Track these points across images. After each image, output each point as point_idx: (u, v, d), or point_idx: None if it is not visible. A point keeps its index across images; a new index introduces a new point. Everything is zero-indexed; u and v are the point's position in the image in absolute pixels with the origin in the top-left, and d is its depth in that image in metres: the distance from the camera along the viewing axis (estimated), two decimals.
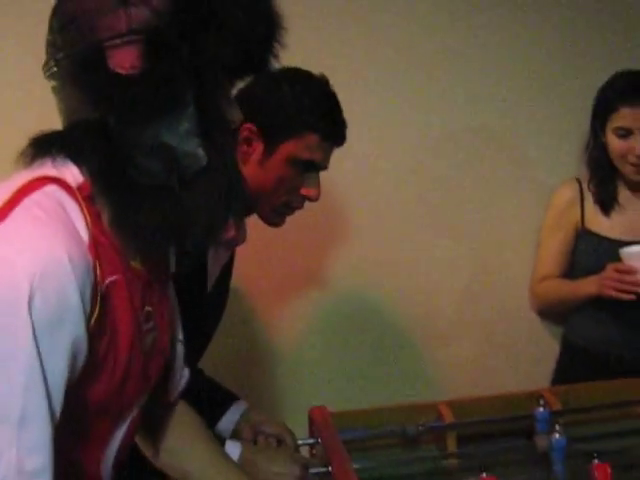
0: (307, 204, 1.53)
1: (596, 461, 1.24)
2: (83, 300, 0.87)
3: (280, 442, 1.57)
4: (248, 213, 1.50)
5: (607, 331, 1.99)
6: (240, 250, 1.67)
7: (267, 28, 0.99)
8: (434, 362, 2.28)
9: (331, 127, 1.45)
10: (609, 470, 1.23)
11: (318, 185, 1.47)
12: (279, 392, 2.22)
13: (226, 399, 1.65)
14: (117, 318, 0.95)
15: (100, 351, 0.92)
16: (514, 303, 2.28)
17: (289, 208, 1.50)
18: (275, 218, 1.51)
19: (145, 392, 1.09)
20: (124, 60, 0.91)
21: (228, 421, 1.60)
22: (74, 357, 0.87)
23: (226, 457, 1.31)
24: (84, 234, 0.90)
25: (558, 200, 2.10)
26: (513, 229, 2.27)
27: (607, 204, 2.01)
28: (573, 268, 2.09)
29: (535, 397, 1.57)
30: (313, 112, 1.43)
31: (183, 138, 0.93)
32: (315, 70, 1.50)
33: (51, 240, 0.85)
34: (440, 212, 2.26)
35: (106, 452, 1.05)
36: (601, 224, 2.02)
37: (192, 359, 1.59)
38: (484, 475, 1.24)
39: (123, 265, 0.96)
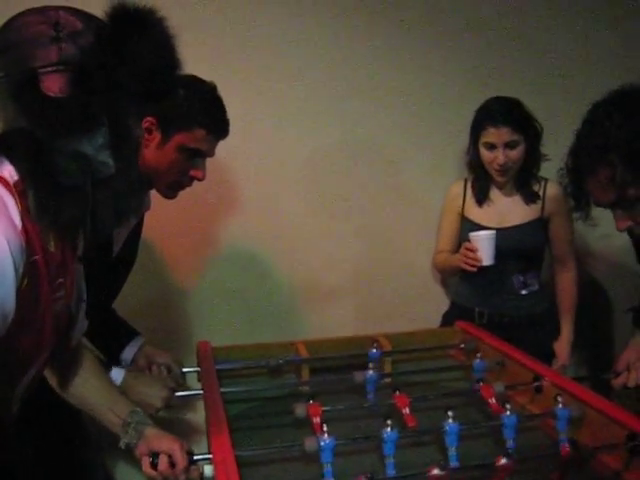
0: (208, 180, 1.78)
1: (397, 392, 1.56)
2: (16, 273, 1.01)
3: (169, 369, 1.87)
4: (149, 188, 1.74)
5: (472, 292, 2.39)
6: (154, 214, 1.93)
7: (168, 68, 1.15)
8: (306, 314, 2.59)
9: (215, 124, 1.69)
10: (407, 399, 1.53)
11: (204, 169, 1.72)
12: (178, 329, 2.47)
13: (129, 334, 1.91)
14: (38, 288, 1.11)
15: (25, 312, 1.07)
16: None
17: (180, 185, 1.74)
18: (169, 193, 1.74)
19: (54, 342, 1.24)
20: (54, 85, 1.04)
21: (129, 352, 1.87)
22: (5, 316, 1.03)
23: (113, 385, 1.51)
24: (18, 222, 1.04)
25: (447, 194, 2.48)
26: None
27: (480, 198, 2.38)
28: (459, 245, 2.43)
29: (371, 340, 1.93)
30: (201, 111, 1.65)
31: (97, 150, 1.09)
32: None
33: None
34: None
35: (16, 390, 1.21)
36: (476, 213, 2.39)
37: (107, 302, 1.86)
38: (311, 402, 1.51)
39: (43, 248, 1.11)
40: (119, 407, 1.43)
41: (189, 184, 1.75)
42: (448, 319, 2.44)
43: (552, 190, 2.32)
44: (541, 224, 2.34)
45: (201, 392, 1.72)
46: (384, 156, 2.62)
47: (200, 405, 1.84)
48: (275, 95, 2.45)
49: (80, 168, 1.09)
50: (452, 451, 1.39)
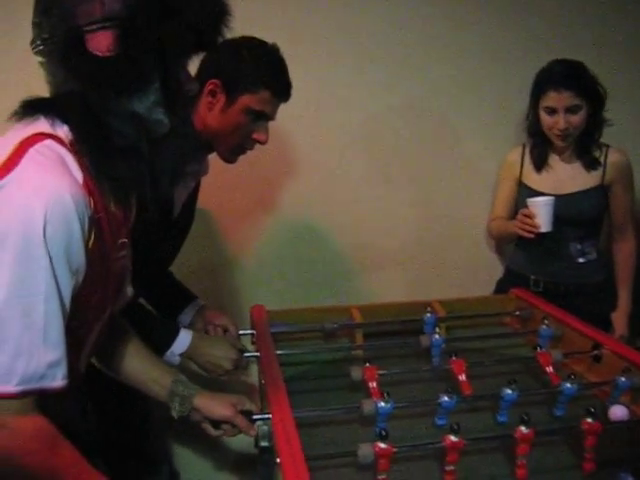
0: (265, 148, 1.77)
1: (454, 357, 1.56)
2: (82, 229, 1.01)
3: (226, 331, 1.86)
4: (209, 151, 1.74)
5: (527, 259, 2.34)
6: (209, 181, 1.92)
7: (217, 15, 1.13)
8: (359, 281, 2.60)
9: (280, 86, 1.67)
10: (463, 364, 1.53)
11: (267, 132, 1.70)
12: (233, 293, 2.49)
13: (187, 298, 1.93)
14: (103, 245, 1.11)
15: (93, 268, 1.07)
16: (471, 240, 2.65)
17: (242, 149, 1.73)
18: (230, 156, 1.74)
19: (116, 303, 1.27)
20: (100, 44, 1.01)
21: (186, 315, 1.90)
22: (76, 273, 1.03)
23: (153, 356, 1.48)
24: (80, 179, 1.04)
25: (505, 160, 2.44)
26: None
27: (539, 164, 2.33)
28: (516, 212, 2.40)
29: (425, 305, 1.92)
30: (267, 73, 1.64)
31: (151, 108, 1.08)
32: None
33: (56, 183, 0.98)
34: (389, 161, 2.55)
35: (84, 349, 1.22)
36: (534, 180, 2.34)
37: (164, 267, 1.89)
38: (367, 365, 1.52)
39: (105, 207, 1.11)
40: (164, 378, 1.44)
41: (251, 147, 1.74)
42: (502, 286, 2.41)
43: (614, 157, 2.26)
44: (601, 192, 2.28)
45: (256, 354, 1.73)
46: (441, 122, 2.58)
47: (252, 368, 1.88)
48: (329, 61, 2.42)
49: (134, 128, 1.08)
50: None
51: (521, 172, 2.39)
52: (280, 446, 1.19)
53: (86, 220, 1.03)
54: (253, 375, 2.07)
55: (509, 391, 1.41)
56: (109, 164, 1.08)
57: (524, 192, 2.35)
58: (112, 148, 1.07)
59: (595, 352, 1.65)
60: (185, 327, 1.76)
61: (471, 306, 2.03)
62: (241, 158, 1.78)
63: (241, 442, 1.91)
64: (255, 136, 1.71)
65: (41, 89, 1.12)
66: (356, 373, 1.56)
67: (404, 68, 2.50)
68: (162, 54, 1.06)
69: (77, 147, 1.06)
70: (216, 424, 1.45)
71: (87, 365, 1.29)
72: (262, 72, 1.64)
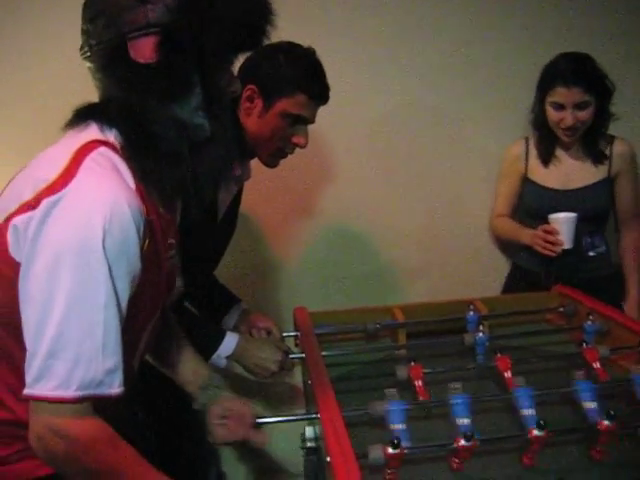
0: (304, 153, 1.79)
1: (499, 354, 1.56)
2: (139, 236, 1.03)
3: (269, 333, 1.89)
4: (251, 156, 1.77)
5: (537, 255, 2.25)
6: (251, 187, 1.95)
7: (259, 17, 1.14)
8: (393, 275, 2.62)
9: (317, 89, 1.69)
10: (508, 361, 1.53)
11: (306, 135, 1.72)
12: (276, 295, 2.52)
13: (231, 301, 1.97)
14: (157, 247, 1.14)
15: (148, 271, 1.10)
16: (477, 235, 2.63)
17: (282, 152, 1.75)
18: (271, 161, 1.76)
19: (166, 302, 1.30)
20: (143, 51, 1.04)
21: (231, 318, 1.93)
22: (133, 278, 1.05)
23: (193, 349, 1.51)
24: (132, 185, 1.06)
25: (507, 155, 2.40)
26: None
27: (546, 158, 2.30)
28: (520, 208, 2.41)
29: (467, 304, 1.92)
30: (302, 76, 1.66)
31: (192, 113, 1.10)
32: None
33: (113, 192, 1.00)
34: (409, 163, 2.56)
35: (139, 347, 1.24)
36: (540, 175, 2.31)
37: (208, 270, 1.91)
38: (412, 364, 1.54)
39: (155, 209, 1.14)
40: (201, 370, 1.47)
41: (291, 151, 1.76)
42: (512, 281, 2.42)
43: (619, 147, 2.25)
44: (609, 184, 2.27)
45: (300, 356, 1.75)
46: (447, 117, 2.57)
47: (294, 370, 1.89)
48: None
49: (177, 133, 1.10)
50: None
51: (526, 167, 2.35)
52: (330, 445, 1.20)
53: (142, 226, 1.05)
54: (296, 377, 2.09)
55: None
56: (154, 169, 1.09)
57: (530, 187, 2.33)
58: (156, 152, 1.09)
59: None
60: (230, 330, 1.78)
61: (513, 303, 2.02)
62: (282, 163, 1.80)
63: (285, 444, 1.94)
64: (294, 140, 1.72)
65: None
66: (402, 372, 1.56)
67: (409, 62, 2.49)
68: (203, 59, 1.07)
69: (126, 153, 1.08)
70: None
71: (141, 364, 1.32)
72: (297, 75, 1.66)
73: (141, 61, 1.04)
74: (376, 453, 1.21)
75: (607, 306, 1.87)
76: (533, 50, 2.36)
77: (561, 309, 1.99)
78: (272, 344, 1.78)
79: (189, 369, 1.47)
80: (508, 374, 1.53)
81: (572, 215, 2.13)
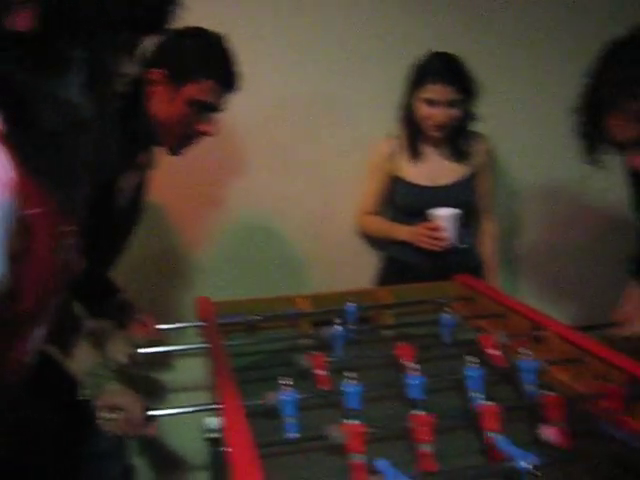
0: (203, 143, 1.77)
1: (399, 343, 1.58)
2: (7, 231, 0.93)
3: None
4: (156, 144, 1.72)
5: (410, 247, 2.34)
6: (160, 177, 1.92)
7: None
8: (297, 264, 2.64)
9: (224, 75, 1.67)
10: (410, 349, 1.56)
11: (214, 123, 1.69)
12: (180, 285, 2.50)
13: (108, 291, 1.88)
14: (38, 243, 1.05)
15: (24, 271, 1.01)
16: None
17: (187, 141, 1.72)
18: (176, 149, 1.73)
19: (60, 294, 1.22)
20: (20, 21, 0.94)
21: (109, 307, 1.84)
22: None
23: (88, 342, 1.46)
24: (10, 175, 0.95)
25: (377, 152, 2.44)
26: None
27: (414, 156, 2.37)
28: (392, 205, 2.47)
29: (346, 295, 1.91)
30: (209, 62, 1.64)
31: (73, 91, 1.02)
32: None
33: None
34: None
35: (27, 345, 1.17)
36: (410, 172, 2.38)
37: (108, 261, 1.85)
38: (314, 353, 1.54)
39: (43, 198, 1.03)
40: (90, 358, 1.43)
41: (197, 140, 1.73)
42: (387, 274, 2.48)
43: (479, 144, 2.40)
44: (473, 180, 2.39)
45: (203, 346, 1.70)
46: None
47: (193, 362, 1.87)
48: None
49: (58, 112, 1.01)
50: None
51: (395, 164, 2.41)
52: (229, 435, 1.18)
53: (12, 221, 0.95)
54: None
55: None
56: (34, 153, 1.01)
57: (400, 185, 2.40)
58: (39, 133, 1.01)
59: (535, 333, 1.68)
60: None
61: (416, 293, 2.05)
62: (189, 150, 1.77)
63: (194, 434, 1.91)
64: (202, 128, 1.69)
65: None
66: (303, 361, 1.56)
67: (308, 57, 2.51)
68: (85, 34, 0.99)
69: (9, 135, 0.96)
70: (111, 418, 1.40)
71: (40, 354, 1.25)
72: (205, 61, 1.63)
73: (21, 31, 0.94)
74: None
75: (501, 294, 1.94)
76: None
77: (462, 298, 2.04)
78: (126, 337, 1.72)
79: (79, 357, 1.43)
80: (407, 362, 1.55)
81: (456, 211, 2.23)
